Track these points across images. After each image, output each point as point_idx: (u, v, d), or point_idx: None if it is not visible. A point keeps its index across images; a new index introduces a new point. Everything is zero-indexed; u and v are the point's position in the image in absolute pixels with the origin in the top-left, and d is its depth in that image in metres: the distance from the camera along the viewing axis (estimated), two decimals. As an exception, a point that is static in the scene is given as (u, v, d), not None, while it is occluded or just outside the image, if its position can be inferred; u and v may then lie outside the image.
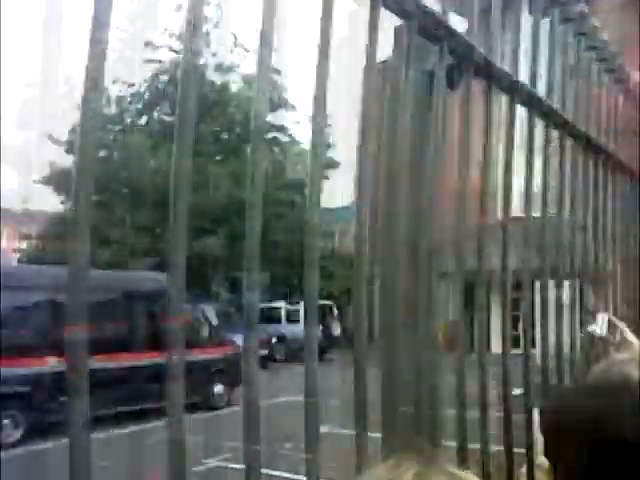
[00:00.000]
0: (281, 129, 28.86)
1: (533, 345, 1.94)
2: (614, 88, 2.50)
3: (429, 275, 1.38)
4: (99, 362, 10.75)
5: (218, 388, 13.60)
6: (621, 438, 0.98)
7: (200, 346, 12.32)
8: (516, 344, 2.25)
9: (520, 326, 1.87)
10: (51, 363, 10.39)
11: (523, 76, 1.72)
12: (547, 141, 1.89)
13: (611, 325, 2.13)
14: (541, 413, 1.31)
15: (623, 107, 2.63)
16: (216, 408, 13.01)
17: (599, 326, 2.12)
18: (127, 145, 25.53)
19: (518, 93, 1.67)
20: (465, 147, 1.48)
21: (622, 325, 2.14)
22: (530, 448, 1.64)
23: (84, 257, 0.81)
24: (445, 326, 1.59)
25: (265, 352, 18.20)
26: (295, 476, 6.30)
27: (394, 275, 1.33)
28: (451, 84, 1.43)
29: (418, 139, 1.36)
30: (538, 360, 1.86)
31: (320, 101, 1.13)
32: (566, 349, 2.05)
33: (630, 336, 2.12)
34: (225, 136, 29.24)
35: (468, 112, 1.48)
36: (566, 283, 2.08)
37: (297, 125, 30.28)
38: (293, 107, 29.29)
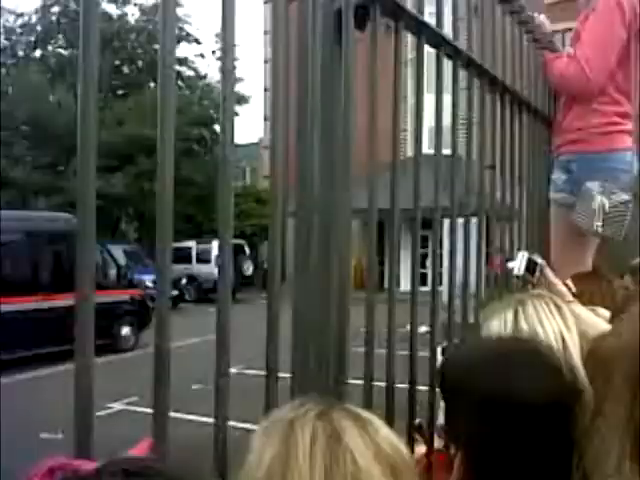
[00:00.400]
0: (184, 62, 27.91)
1: (441, 283, 1.97)
2: (521, 33, 2.54)
3: (345, 213, 1.39)
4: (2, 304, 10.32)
5: (125, 330, 13.42)
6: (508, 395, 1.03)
7: (107, 287, 11.99)
8: (424, 282, 2.30)
9: (428, 264, 1.91)
10: None
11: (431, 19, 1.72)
12: (455, 80, 1.91)
13: (531, 263, 2.12)
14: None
15: (531, 54, 2.68)
16: (123, 350, 12.85)
17: (517, 264, 2.10)
18: (23, 79, 23.89)
19: (425, 33, 1.69)
20: (373, 86, 1.49)
21: (543, 263, 2.15)
22: (432, 386, 1.70)
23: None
24: (357, 263, 1.61)
25: (175, 292, 18.05)
26: (203, 418, 6.30)
27: (309, 214, 1.33)
28: (359, 24, 1.42)
29: (328, 79, 1.35)
30: (445, 298, 1.89)
31: (229, 35, 1.10)
32: (473, 287, 2.09)
33: (550, 275, 2.12)
34: (126, 70, 28.01)
35: (376, 51, 1.48)
36: (474, 221, 2.11)
37: (202, 59, 29.34)
38: (197, 40, 28.47)
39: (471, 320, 2.01)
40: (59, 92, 23.23)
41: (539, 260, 2.14)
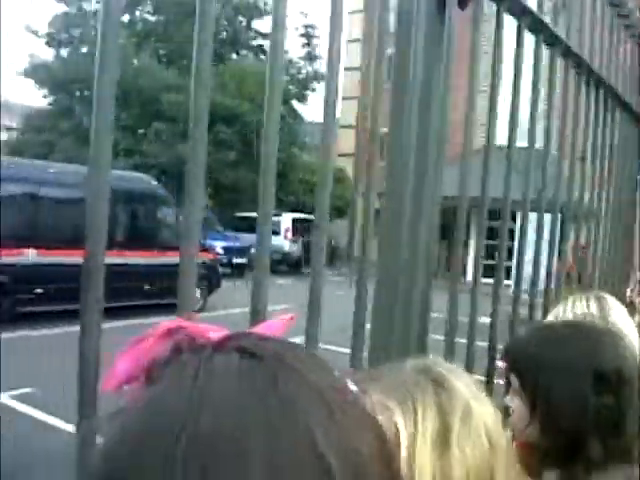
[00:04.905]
0: (267, 36, 27.56)
1: (509, 276, 1.97)
2: (623, 33, 2.48)
3: (432, 200, 1.37)
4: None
5: (195, 292, 13.53)
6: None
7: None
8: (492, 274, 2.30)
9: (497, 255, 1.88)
10: (29, 255, 10.38)
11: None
12: (552, 69, 1.89)
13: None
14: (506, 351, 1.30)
15: (628, 48, 2.61)
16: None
17: None
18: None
19: (525, 18, 1.66)
20: (473, 69, 1.48)
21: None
22: (490, 376, 1.70)
23: (105, 161, 0.84)
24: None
25: (244, 261, 18.41)
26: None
27: (399, 199, 1.33)
28: (461, 3, 1.41)
29: (429, 58, 1.33)
30: (511, 291, 1.88)
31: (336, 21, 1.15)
32: (541, 283, 2.06)
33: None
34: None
35: (479, 32, 1.48)
36: (547, 216, 2.06)
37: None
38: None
39: (538, 316, 1.96)
40: (143, 57, 23.65)
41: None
